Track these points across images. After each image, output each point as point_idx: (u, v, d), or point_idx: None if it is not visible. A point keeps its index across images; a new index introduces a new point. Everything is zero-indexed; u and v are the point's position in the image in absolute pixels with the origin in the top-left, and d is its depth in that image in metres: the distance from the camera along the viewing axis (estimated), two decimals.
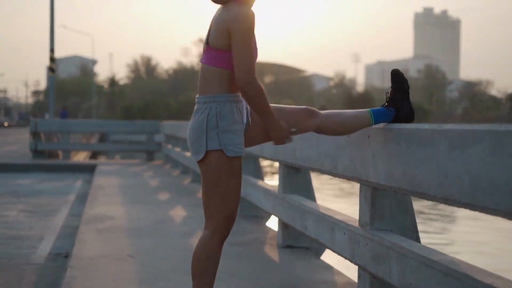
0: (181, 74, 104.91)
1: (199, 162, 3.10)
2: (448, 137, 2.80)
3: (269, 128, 3.13)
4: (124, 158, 22.97)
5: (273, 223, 7.22)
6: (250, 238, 6.07)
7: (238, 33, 2.98)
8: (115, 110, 79.84)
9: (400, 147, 3.25)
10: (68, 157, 17.59)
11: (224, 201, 3.09)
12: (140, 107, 75.35)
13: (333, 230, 4.23)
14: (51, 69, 19.34)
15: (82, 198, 9.96)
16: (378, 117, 3.40)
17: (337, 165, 4.14)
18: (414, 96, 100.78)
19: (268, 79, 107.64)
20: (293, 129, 3.22)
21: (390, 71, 3.49)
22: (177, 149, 13.85)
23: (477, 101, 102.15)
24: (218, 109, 3.05)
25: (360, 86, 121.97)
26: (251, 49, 3.00)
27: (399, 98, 3.44)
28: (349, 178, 3.99)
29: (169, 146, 15.58)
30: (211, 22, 3.14)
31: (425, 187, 3.00)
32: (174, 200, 8.77)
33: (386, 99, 3.48)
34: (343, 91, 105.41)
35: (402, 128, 3.25)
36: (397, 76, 3.46)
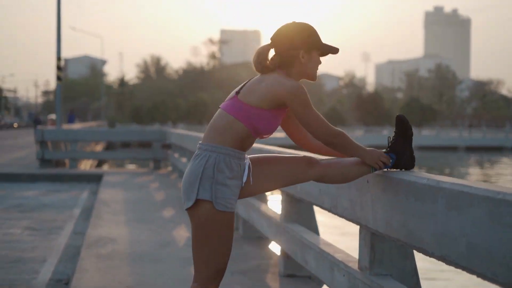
0: (191, 74, 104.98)
1: (188, 210, 3.05)
2: (445, 195, 2.74)
3: (362, 159, 3.20)
4: (132, 160, 22.95)
5: (275, 245, 7.16)
6: (252, 265, 6.02)
7: (302, 105, 3.05)
8: (125, 111, 79.98)
9: (399, 198, 3.18)
10: (75, 165, 17.59)
11: (213, 256, 3.04)
12: (150, 107, 75.43)
13: (333, 270, 4.16)
14: (58, 78, 19.33)
15: (87, 213, 9.94)
16: None
17: (337, 205, 4.08)
18: (425, 96, 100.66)
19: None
20: (383, 150, 3.30)
21: (396, 116, 3.43)
22: (184, 160, 13.81)
23: (487, 100, 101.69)
24: (217, 160, 3.01)
25: (370, 86, 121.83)
26: (317, 113, 3.07)
27: (401, 145, 3.37)
28: (349, 220, 3.93)
29: (176, 155, 15.55)
30: (250, 81, 3.14)
31: (424, 243, 2.93)
32: (178, 218, 8.72)
33: (388, 144, 3.42)
34: (353, 91, 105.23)
35: (401, 178, 3.18)
36: (402, 122, 3.40)
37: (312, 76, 3.20)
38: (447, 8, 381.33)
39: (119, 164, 27.06)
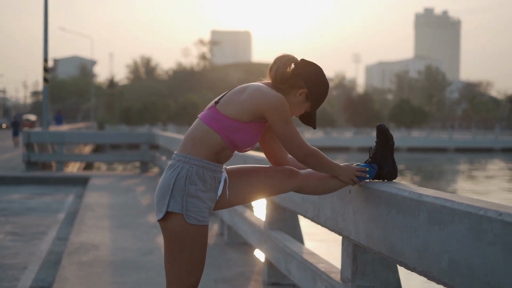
0: (181, 75, 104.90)
1: (160, 222, 2.96)
2: (427, 209, 2.66)
3: (337, 176, 3.11)
4: (120, 160, 22.70)
5: (260, 252, 7.08)
6: (236, 272, 5.92)
7: (282, 120, 2.94)
8: (114, 112, 79.75)
9: (380, 210, 3.10)
10: (62, 168, 17.45)
11: (185, 270, 2.95)
12: (139, 108, 75.22)
13: (316, 281, 4.08)
14: (44, 79, 19.17)
15: (72, 218, 9.83)
16: None
17: (320, 214, 4.00)
18: (415, 97, 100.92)
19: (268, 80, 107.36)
20: (354, 164, 3.21)
21: (376, 126, 3.35)
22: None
23: (477, 102, 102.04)
24: (190, 172, 2.91)
25: (360, 87, 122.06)
26: (295, 130, 2.96)
27: (383, 154, 3.30)
28: (331, 230, 3.84)
29: (164, 157, 15.44)
30: (231, 91, 3.04)
31: (405, 257, 2.85)
32: None
33: (370, 154, 3.34)
34: (343, 92, 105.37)
35: (382, 190, 3.09)
36: (383, 132, 3.32)
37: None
38: (437, 10, 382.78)
39: (107, 165, 26.93)
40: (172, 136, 14.51)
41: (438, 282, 2.61)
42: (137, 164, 21.17)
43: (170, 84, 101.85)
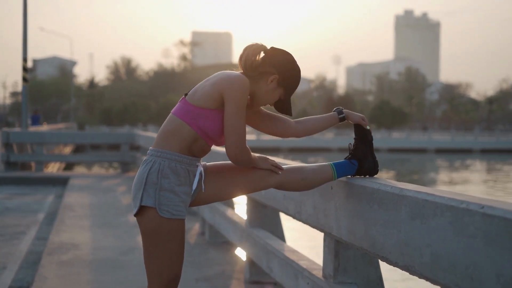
0: (162, 76, 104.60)
1: (136, 217, 2.94)
2: (409, 203, 2.66)
3: (258, 166, 3.08)
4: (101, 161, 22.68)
5: (241, 250, 7.06)
6: (217, 271, 5.90)
7: (235, 101, 2.87)
8: (94, 112, 79.35)
9: (362, 205, 3.10)
10: (41, 168, 17.30)
11: (164, 265, 2.93)
12: (120, 109, 74.91)
13: (297, 278, 4.07)
14: (23, 79, 19.01)
15: (51, 218, 9.74)
16: (340, 170, 3.25)
17: (301, 211, 3.99)
18: (395, 99, 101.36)
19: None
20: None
21: (353, 123, 3.34)
22: None
23: (456, 103, 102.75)
24: (162, 165, 2.89)
25: (340, 88, 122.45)
26: (243, 122, 2.89)
27: (363, 150, 3.30)
28: (313, 226, 3.84)
29: (144, 158, 15.36)
30: (203, 81, 3.00)
31: (386, 252, 2.85)
32: None
33: (350, 151, 3.34)
34: (324, 93, 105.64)
35: (364, 185, 3.09)
36: (361, 127, 3.32)
37: (258, 102, 3.07)
38: (417, 12, 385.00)
39: (87, 166, 26.76)
40: (153, 136, 14.45)
41: (420, 276, 2.61)
42: (116, 164, 21.10)
43: (150, 85, 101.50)
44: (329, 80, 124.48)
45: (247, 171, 3.10)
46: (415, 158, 43.29)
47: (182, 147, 2.94)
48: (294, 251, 4.48)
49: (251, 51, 3.00)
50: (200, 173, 3.03)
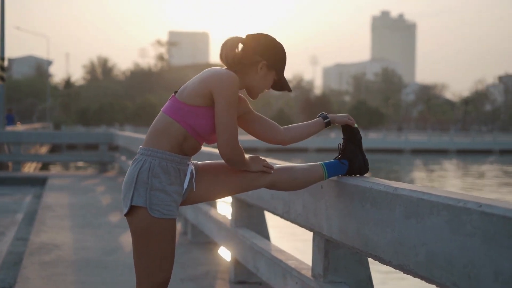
0: (138, 76, 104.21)
1: (126, 217, 2.90)
2: (403, 202, 2.65)
3: (249, 169, 3.06)
4: (79, 161, 22.41)
5: (224, 250, 7.03)
6: (201, 271, 5.87)
7: (226, 99, 2.83)
8: (71, 112, 78.78)
9: (354, 204, 3.09)
10: (19, 168, 17.12)
11: (154, 265, 2.88)
12: (96, 109, 74.47)
13: (286, 278, 4.06)
14: (1, 78, 18.81)
15: (30, 218, 9.63)
16: (331, 170, 3.25)
17: (290, 210, 3.98)
18: (372, 99, 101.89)
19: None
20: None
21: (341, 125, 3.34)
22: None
23: (432, 104, 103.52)
24: (152, 164, 2.86)
25: (317, 89, 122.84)
26: (234, 120, 2.86)
27: (352, 149, 3.30)
28: (302, 226, 3.83)
29: (123, 158, 15.28)
30: (192, 79, 2.97)
31: (380, 251, 2.84)
32: (125, 223, 8.50)
33: (339, 151, 3.33)
34: (301, 94, 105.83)
35: (356, 184, 3.09)
36: (349, 127, 3.32)
37: (256, 92, 3.04)
38: (394, 13, 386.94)
39: (64, 166, 26.52)
40: (132, 135, 14.38)
41: (415, 275, 2.61)
42: (94, 164, 20.91)
43: (127, 84, 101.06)
44: (306, 81, 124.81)
45: (239, 171, 3.08)
46: (391, 159, 43.53)
47: (172, 146, 2.91)
48: (282, 251, 4.46)
49: (228, 46, 2.97)
50: (191, 172, 3.00)
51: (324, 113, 3.35)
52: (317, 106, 78.93)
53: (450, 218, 2.34)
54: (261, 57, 2.98)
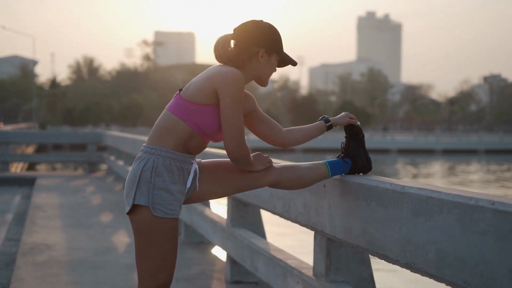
0: (125, 76, 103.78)
1: (129, 215, 2.87)
2: (412, 201, 2.63)
3: (254, 169, 3.03)
4: (67, 161, 22.30)
5: (218, 250, 7.00)
6: (196, 271, 5.84)
7: (231, 97, 2.80)
8: (56, 112, 78.35)
9: (359, 203, 3.07)
10: (7, 168, 16.97)
11: (156, 265, 2.85)
12: (82, 109, 74.08)
13: (286, 277, 4.03)
14: None
15: (20, 219, 9.56)
16: (334, 169, 3.22)
17: (290, 209, 3.95)
18: (358, 99, 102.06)
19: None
20: (261, 153, 3.11)
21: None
22: (120, 163, 13.50)
23: (418, 104, 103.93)
24: (156, 163, 2.82)
25: (304, 89, 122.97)
26: (241, 118, 2.83)
27: (355, 148, 3.28)
28: (303, 225, 3.80)
29: (112, 158, 15.20)
30: (197, 76, 2.94)
31: (386, 250, 2.82)
32: (117, 223, 8.46)
33: (342, 149, 3.32)
34: (287, 94, 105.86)
35: (361, 183, 3.07)
36: (352, 125, 3.31)
37: (265, 79, 3.02)
38: (379, 13, 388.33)
39: (50, 166, 26.33)
40: (121, 135, 14.29)
41: (424, 274, 2.59)
42: (82, 164, 20.76)
43: (113, 84, 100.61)
44: (292, 81, 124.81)
45: (241, 169, 3.05)
46: (378, 159, 43.66)
47: (177, 144, 2.87)
48: (281, 250, 4.44)
49: (220, 48, 2.94)
50: (195, 171, 2.97)
51: (326, 116, 3.33)
52: (303, 106, 78.98)
53: (461, 216, 2.32)
54: (258, 46, 2.94)
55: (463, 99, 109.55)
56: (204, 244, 7.11)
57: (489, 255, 2.19)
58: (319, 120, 3.32)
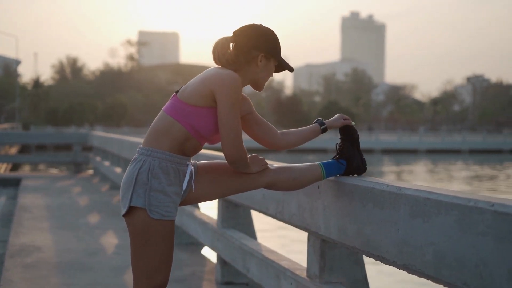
0: (108, 76, 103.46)
1: (125, 217, 2.86)
2: (409, 202, 2.64)
3: (250, 171, 3.03)
4: (48, 162, 22.20)
5: (208, 251, 6.99)
6: (187, 272, 5.83)
7: (229, 100, 2.79)
8: (40, 112, 77.90)
9: (354, 204, 3.08)
10: None
11: (152, 267, 2.84)
12: (66, 109, 73.73)
13: (279, 278, 4.03)
14: None
15: (7, 220, 9.50)
16: (329, 170, 3.23)
17: (284, 211, 3.95)
18: (342, 99, 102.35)
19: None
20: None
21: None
22: (107, 163, 13.45)
23: (402, 104, 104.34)
24: (152, 165, 2.81)
25: (288, 89, 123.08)
26: (238, 121, 2.82)
27: (350, 149, 3.29)
28: (296, 226, 3.80)
29: (98, 158, 15.13)
30: (194, 78, 2.93)
31: (383, 251, 2.83)
32: (105, 224, 8.42)
33: (337, 150, 3.32)
34: (271, 94, 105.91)
35: (356, 184, 3.07)
36: (347, 127, 3.32)
37: (261, 84, 3.02)
38: (363, 14, 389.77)
39: (33, 167, 26.15)
40: (107, 136, 14.23)
41: (421, 275, 2.60)
42: (67, 164, 20.64)
43: (97, 84, 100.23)
44: (277, 81, 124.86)
45: (237, 171, 3.05)
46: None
47: (173, 146, 2.86)
48: (273, 251, 4.44)
49: (219, 50, 2.94)
50: (191, 173, 2.97)
51: (321, 119, 3.34)
52: (288, 106, 79.09)
53: (460, 217, 2.33)
54: (257, 51, 2.94)
55: (446, 99, 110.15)
56: (193, 245, 7.10)
57: (488, 256, 2.20)
58: (314, 122, 3.32)
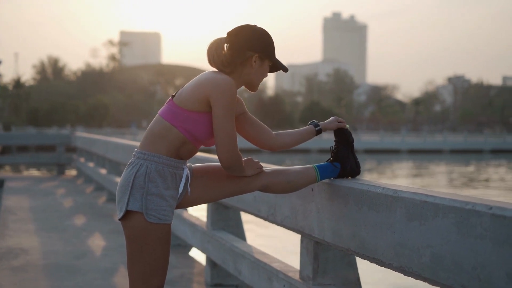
0: (90, 76, 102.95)
1: (121, 221, 2.85)
2: (405, 205, 2.66)
3: (245, 174, 3.03)
4: (31, 163, 22.09)
5: (196, 253, 6.99)
6: (176, 274, 5.81)
7: (224, 105, 2.78)
8: (21, 113, 77.33)
9: (349, 207, 3.09)
10: None
11: (148, 271, 2.84)
12: (47, 110, 73.26)
13: (271, 280, 4.04)
14: None
15: None
16: (323, 172, 3.24)
17: (276, 213, 3.96)
18: (324, 100, 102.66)
19: (179, 81, 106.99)
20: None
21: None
22: (91, 164, 13.38)
23: (384, 105, 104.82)
24: (149, 169, 2.81)
25: (270, 90, 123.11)
26: (233, 126, 2.81)
27: (344, 152, 3.30)
28: (289, 228, 3.81)
29: (82, 159, 15.05)
30: (189, 82, 2.92)
31: (379, 254, 2.84)
32: (91, 226, 8.38)
33: (331, 153, 3.34)
34: (254, 94, 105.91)
35: (351, 187, 3.08)
36: (341, 130, 3.33)
37: (255, 85, 3.02)
38: (345, 15, 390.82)
39: (14, 168, 25.93)
40: (91, 137, 14.15)
41: (418, 277, 2.61)
42: (50, 165, 20.50)
43: (78, 85, 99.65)
44: None
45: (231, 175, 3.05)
46: None
47: (169, 150, 2.86)
48: (264, 253, 4.44)
49: (214, 51, 2.94)
50: (187, 176, 2.97)
51: (315, 121, 3.35)
52: (270, 107, 79.16)
53: (457, 220, 2.35)
54: (252, 51, 2.94)
55: (428, 99, 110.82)
56: (181, 247, 7.08)
57: (486, 259, 2.22)
58: (309, 124, 3.33)
